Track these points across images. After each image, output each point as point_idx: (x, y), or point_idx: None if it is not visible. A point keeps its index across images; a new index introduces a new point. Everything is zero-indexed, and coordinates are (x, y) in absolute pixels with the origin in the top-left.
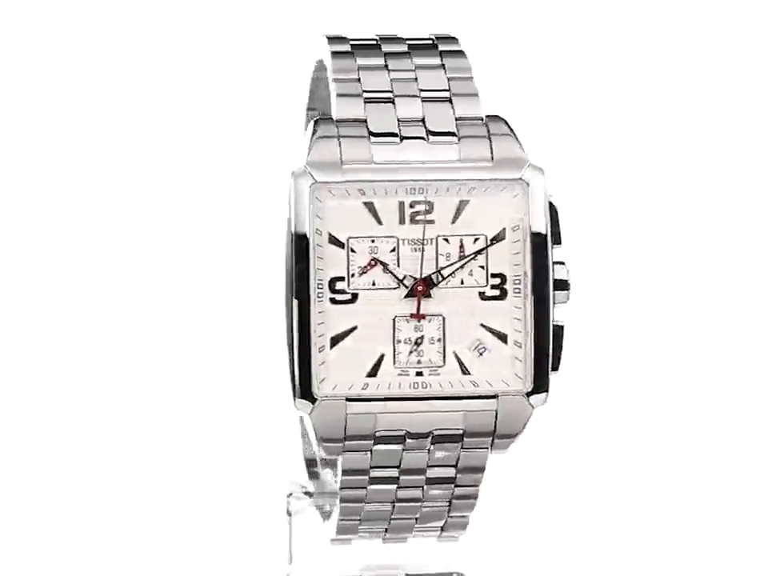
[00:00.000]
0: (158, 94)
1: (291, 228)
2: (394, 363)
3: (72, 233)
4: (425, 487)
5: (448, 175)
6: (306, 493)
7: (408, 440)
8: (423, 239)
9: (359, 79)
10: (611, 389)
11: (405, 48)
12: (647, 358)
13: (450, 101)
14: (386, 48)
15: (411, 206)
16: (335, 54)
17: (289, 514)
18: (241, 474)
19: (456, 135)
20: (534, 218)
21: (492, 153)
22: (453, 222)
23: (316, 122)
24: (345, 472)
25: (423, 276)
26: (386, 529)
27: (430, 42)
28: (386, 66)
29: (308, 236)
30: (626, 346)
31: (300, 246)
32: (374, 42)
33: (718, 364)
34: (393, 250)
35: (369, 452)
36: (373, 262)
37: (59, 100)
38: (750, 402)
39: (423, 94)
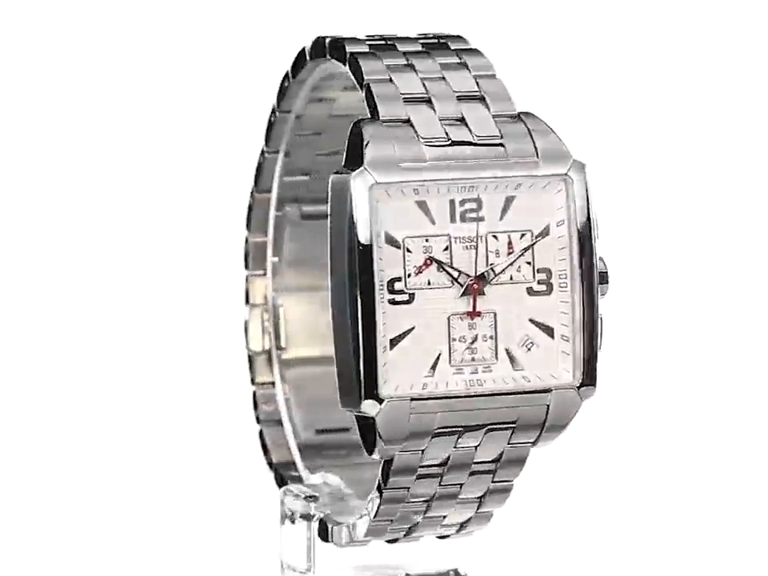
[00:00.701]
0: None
1: (355, 229)
2: (450, 362)
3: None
4: (464, 483)
5: (496, 172)
6: (311, 497)
7: (460, 438)
8: (480, 236)
9: (391, 79)
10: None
11: (419, 47)
12: (651, 354)
13: (484, 99)
14: (401, 48)
15: (461, 204)
16: (360, 54)
17: (308, 518)
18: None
19: (499, 133)
20: (579, 213)
21: (536, 149)
22: (501, 219)
23: (359, 122)
24: (395, 472)
25: (477, 273)
26: (410, 528)
27: (436, 41)
28: (412, 65)
29: (371, 237)
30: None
31: (365, 247)
32: (385, 42)
33: (727, 359)
34: (446, 249)
35: (421, 451)
36: (429, 261)
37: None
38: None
39: (456, 93)
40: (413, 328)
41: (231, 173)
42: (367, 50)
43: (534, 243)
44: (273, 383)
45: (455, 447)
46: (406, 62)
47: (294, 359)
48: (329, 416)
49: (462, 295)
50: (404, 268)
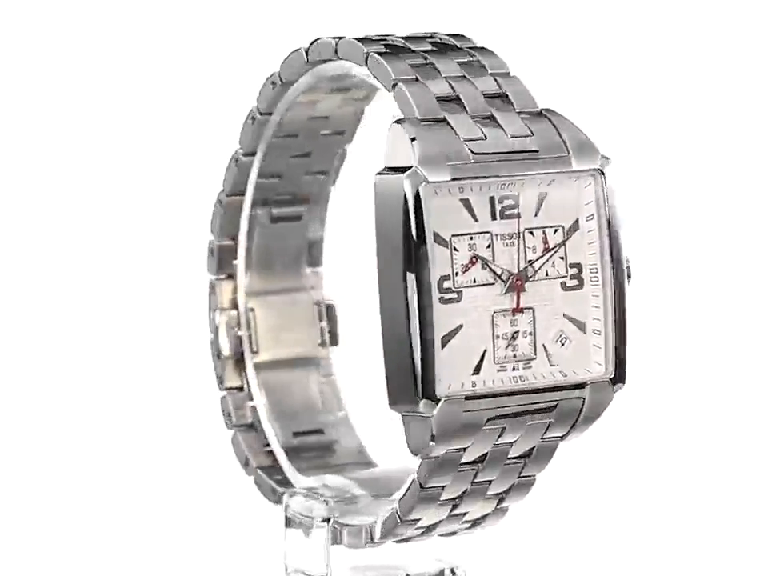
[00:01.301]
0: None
1: (409, 229)
2: (494, 359)
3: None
4: (494, 479)
5: (532, 169)
6: (325, 499)
7: (501, 435)
8: (518, 233)
9: (417, 79)
10: None
11: (430, 46)
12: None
13: (507, 97)
14: (415, 47)
15: (500, 201)
16: (382, 54)
17: (327, 521)
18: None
19: (530, 130)
20: (609, 207)
21: (566, 145)
22: (535, 215)
23: (398, 122)
24: (435, 472)
25: (519, 270)
26: (429, 527)
27: (439, 40)
28: (432, 64)
29: (425, 236)
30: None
31: (420, 247)
32: (393, 42)
33: (745, 355)
34: (488, 246)
35: (464, 449)
36: (474, 259)
37: None
38: None
39: (482, 92)
40: (461, 326)
41: (180, 179)
42: (384, 49)
43: (568, 238)
44: (242, 387)
45: (495, 444)
46: (425, 62)
47: (266, 362)
48: (302, 418)
49: (505, 292)
50: (452, 266)
